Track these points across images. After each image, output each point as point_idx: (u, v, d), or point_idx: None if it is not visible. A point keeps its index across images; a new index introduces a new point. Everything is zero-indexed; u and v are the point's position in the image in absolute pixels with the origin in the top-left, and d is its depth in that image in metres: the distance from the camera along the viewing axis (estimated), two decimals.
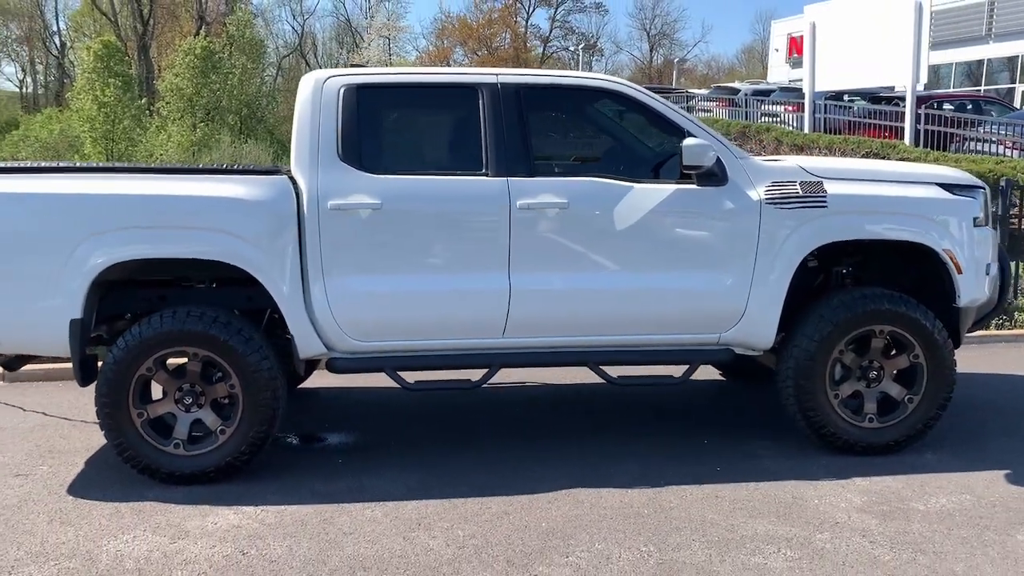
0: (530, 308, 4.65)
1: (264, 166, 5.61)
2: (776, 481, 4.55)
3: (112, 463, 4.69)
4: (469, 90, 4.75)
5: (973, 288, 4.94)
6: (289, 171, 4.67)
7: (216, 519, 4.11)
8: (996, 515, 4.15)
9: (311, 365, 5.87)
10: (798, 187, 4.77)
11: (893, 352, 4.94)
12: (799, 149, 17.79)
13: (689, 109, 25.90)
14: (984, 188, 5.16)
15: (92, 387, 4.52)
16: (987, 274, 5.05)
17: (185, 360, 4.53)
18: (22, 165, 4.76)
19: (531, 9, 60.59)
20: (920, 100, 17.56)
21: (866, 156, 16.03)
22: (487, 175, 4.63)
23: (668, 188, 4.72)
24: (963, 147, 16.47)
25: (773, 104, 22.50)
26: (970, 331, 5.35)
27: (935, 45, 30.81)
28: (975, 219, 4.95)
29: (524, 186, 4.61)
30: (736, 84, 28.79)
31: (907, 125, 16.81)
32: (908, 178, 5.05)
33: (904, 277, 5.24)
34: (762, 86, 27.11)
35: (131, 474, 4.52)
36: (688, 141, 4.60)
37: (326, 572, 3.60)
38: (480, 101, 4.69)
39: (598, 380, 4.97)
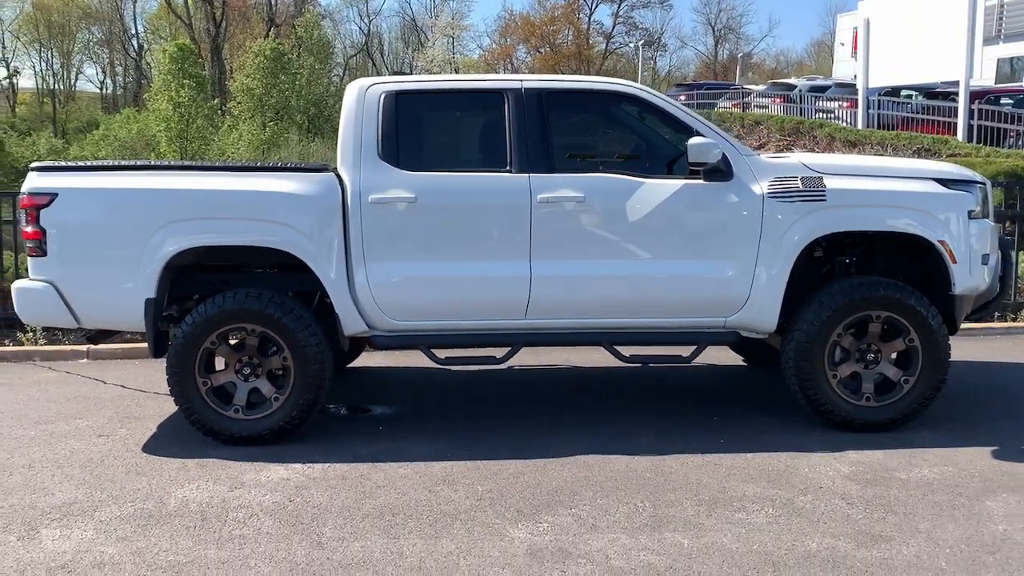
0: (549, 292, 5.14)
1: (314, 164, 6.20)
2: (773, 452, 4.96)
3: (180, 427, 5.34)
4: (496, 95, 5.26)
5: (968, 277, 5.25)
6: (336, 168, 5.24)
7: (268, 473, 4.70)
8: (972, 484, 4.50)
9: (358, 344, 6.46)
10: (799, 182, 5.16)
11: (890, 336, 5.29)
12: (851, 145, 17.85)
13: (745, 105, 25.99)
14: (984, 183, 5.46)
15: (163, 360, 5.17)
16: (984, 264, 5.35)
17: (244, 335, 5.14)
18: (106, 163, 5.43)
19: (594, 5, 60.75)
20: (976, 95, 17.44)
21: (917, 152, 16.06)
22: (511, 172, 5.13)
23: (677, 183, 5.16)
24: (1018, 142, 16.36)
25: (828, 100, 22.49)
26: (978, 319, 5.66)
27: (1007, 37, 30.19)
28: (971, 212, 5.26)
29: (544, 181, 5.10)
30: (792, 80, 28.73)
31: (960, 120, 16.77)
32: (907, 174, 5.39)
33: (908, 268, 5.57)
34: (818, 82, 27.03)
35: (196, 436, 5.15)
36: (694, 140, 5.03)
37: (360, 516, 4.15)
38: (506, 105, 5.19)
39: (618, 363, 5.44)
